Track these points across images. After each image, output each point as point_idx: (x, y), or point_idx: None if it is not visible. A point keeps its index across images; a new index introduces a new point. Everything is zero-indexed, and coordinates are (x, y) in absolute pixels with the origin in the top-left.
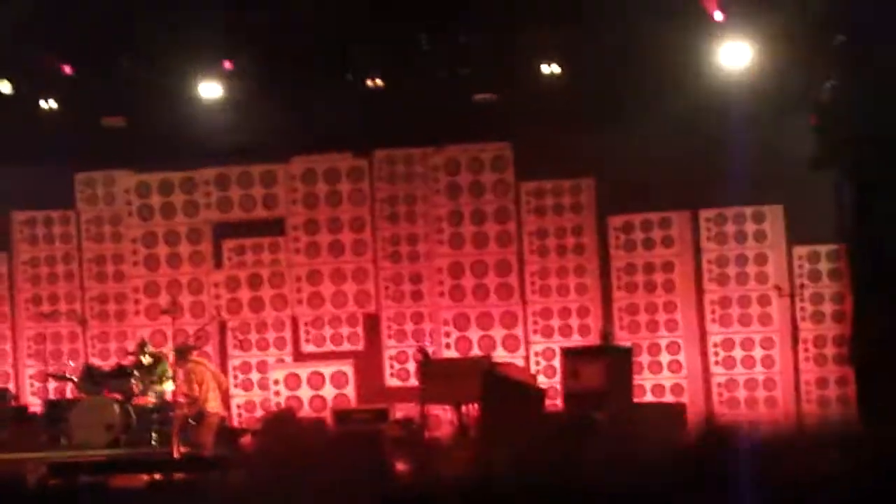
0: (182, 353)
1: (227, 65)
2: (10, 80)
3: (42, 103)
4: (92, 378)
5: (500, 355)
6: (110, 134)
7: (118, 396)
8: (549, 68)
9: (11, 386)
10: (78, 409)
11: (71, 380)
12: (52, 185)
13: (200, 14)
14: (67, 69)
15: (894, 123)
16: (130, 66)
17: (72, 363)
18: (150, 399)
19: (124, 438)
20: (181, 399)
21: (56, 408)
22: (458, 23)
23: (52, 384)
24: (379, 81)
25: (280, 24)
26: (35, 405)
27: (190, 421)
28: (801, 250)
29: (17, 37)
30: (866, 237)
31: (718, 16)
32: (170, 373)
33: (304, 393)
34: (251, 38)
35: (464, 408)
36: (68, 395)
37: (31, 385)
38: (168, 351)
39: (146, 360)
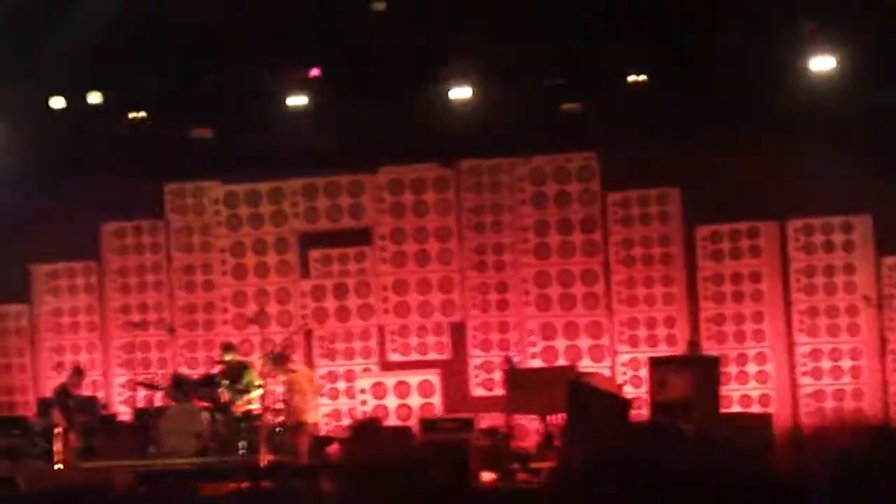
0: (280, 361)
1: (315, 73)
2: (100, 91)
3: (131, 114)
4: (180, 386)
5: (586, 365)
6: (199, 145)
7: (206, 404)
8: (636, 78)
9: (101, 394)
10: (166, 417)
11: (160, 388)
12: (141, 195)
13: (288, 24)
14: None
15: None
16: (218, 77)
17: (161, 372)
18: (240, 407)
19: (212, 446)
20: (279, 406)
21: (145, 416)
22: (546, 32)
23: (140, 393)
24: (466, 92)
25: (367, 34)
26: (124, 413)
27: (278, 429)
28: (889, 261)
29: (107, 49)
30: None
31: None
32: (257, 381)
33: (391, 402)
34: (338, 47)
35: (549, 418)
36: (157, 403)
37: (121, 394)
38: (256, 359)
39: (229, 358)
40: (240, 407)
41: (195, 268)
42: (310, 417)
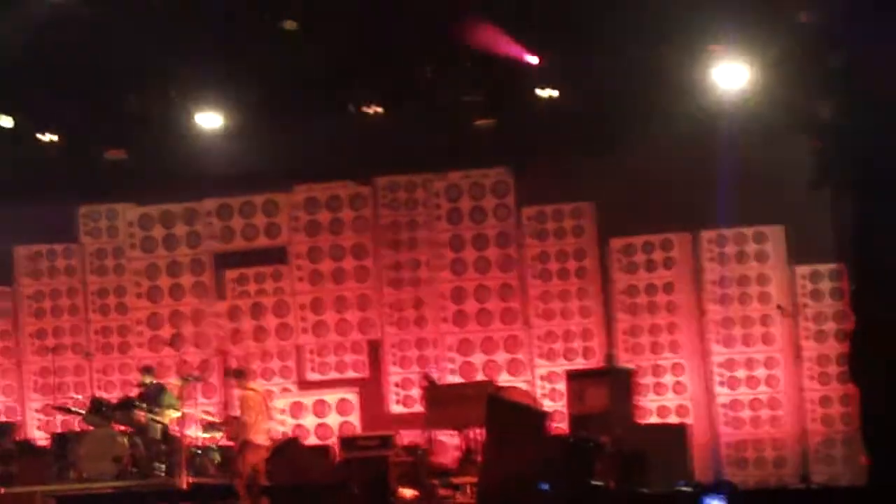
0: (240, 377)
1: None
2: (11, 115)
3: (43, 137)
4: (98, 410)
5: (504, 379)
6: (113, 167)
7: (125, 428)
8: (547, 93)
9: (18, 420)
10: (85, 441)
11: (77, 412)
12: (55, 218)
13: (201, 46)
14: None
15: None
16: (132, 100)
17: (78, 396)
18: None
19: (132, 470)
20: (229, 422)
21: (63, 441)
22: (458, 50)
23: (58, 417)
24: (379, 109)
25: (280, 55)
26: (41, 439)
27: (198, 451)
28: (802, 270)
29: (17, 72)
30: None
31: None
32: (176, 403)
33: (310, 421)
34: (251, 68)
35: (469, 433)
36: (75, 427)
37: (37, 419)
38: (174, 381)
39: (148, 381)
40: (160, 426)
41: (109, 291)
42: (258, 438)
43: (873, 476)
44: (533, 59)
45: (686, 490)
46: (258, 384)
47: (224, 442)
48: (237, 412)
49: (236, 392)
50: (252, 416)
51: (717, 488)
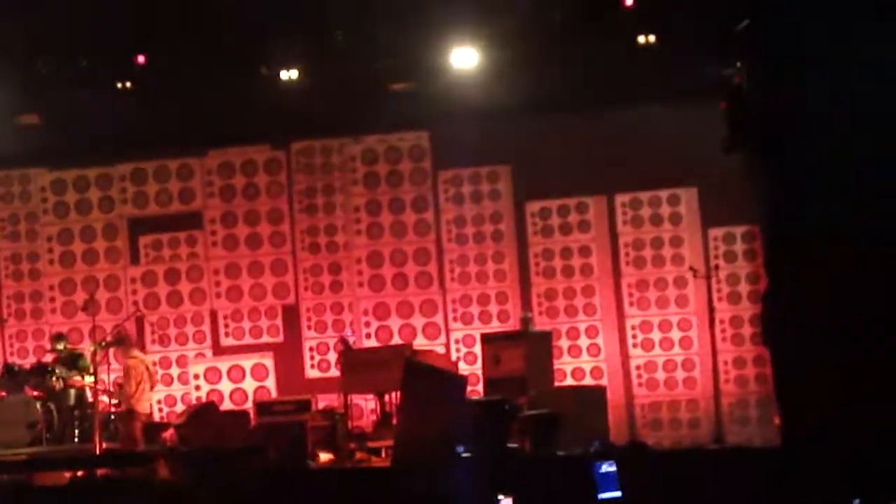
0: (123, 344)
1: (140, 59)
2: None
3: None
4: (12, 376)
5: (420, 343)
6: (25, 131)
7: (39, 394)
8: (463, 54)
9: None
10: None
11: None
12: None
13: (112, 8)
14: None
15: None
16: (44, 63)
17: None
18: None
19: (47, 437)
20: (112, 391)
21: None
22: (373, 13)
23: None
24: (294, 73)
25: (194, 17)
26: None
27: (112, 416)
28: (716, 232)
29: None
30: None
31: None
32: (91, 367)
33: (225, 386)
34: (165, 31)
35: (386, 397)
36: None
37: None
38: (88, 347)
39: (61, 347)
40: (73, 389)
41: (22, 256)
42: (142, 406)
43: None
44: None
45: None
46: (140, 353)
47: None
48: (122, 381)
49: (120, 361)
50: (133, 385)
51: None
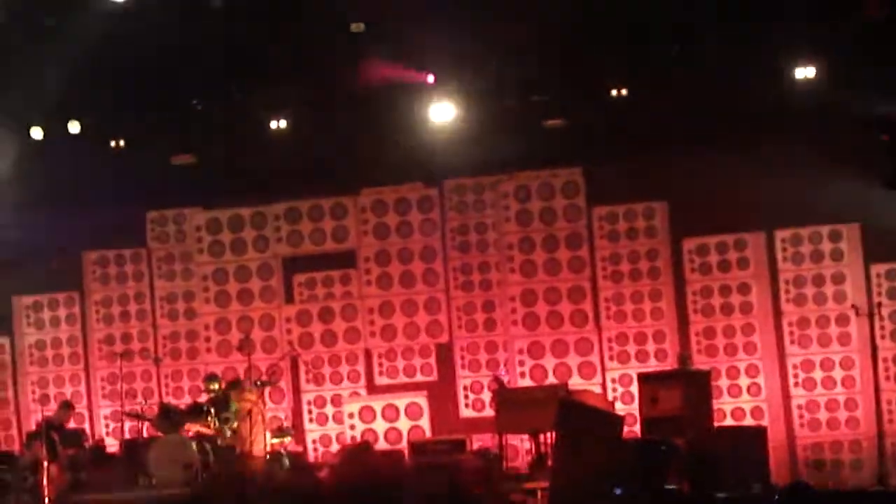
0: (236, 388)
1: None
2: (79, 119)
3: (112, 142)
4: (168, 416)
5: (576, 383)
6: (180, 171)
7: (195, 434)
8: (618, 91)
9: (87, 426)
10: (155, 447)
11: (147, 419)
12: (123, 224)
13: (264, 51)
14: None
15: None
16: (198, 102)
17: (147, 402)
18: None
19: (203, 476)
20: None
21: (134, 447)
22: (527, 49)
23: (127, 424)
24: (449, 110)
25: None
26: (111, 445)
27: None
28: (878, 268)
29: (86, 77)
30: None
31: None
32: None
33: (379, 425)
34: (318, 69)
35: (541, 437)
36: (145, 434)
37: (107, 425)
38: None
39: (215, 387)
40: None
41: (178, 295)
42: (255, 448)
43: None
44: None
45: (757, 493)
46: (254, 394)
47: (293, 447)
48: (236, 423)
49: (233, 403)
50: (247, 428)
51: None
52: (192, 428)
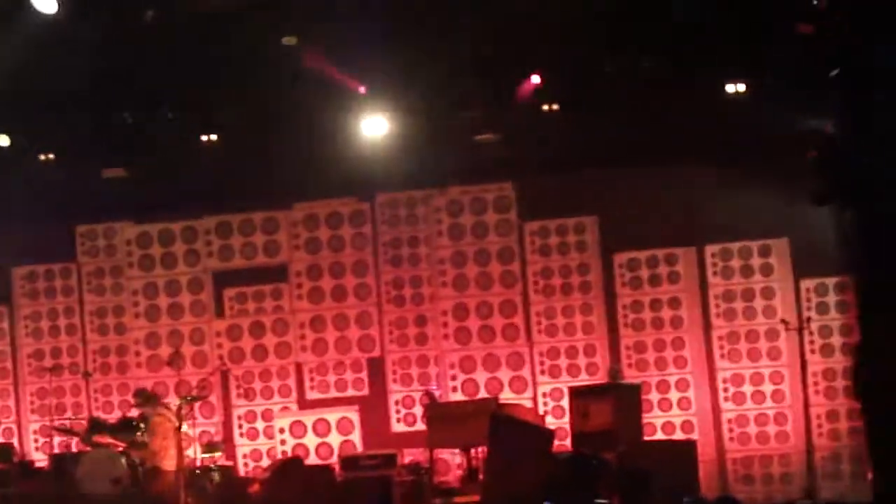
0: (149, 401)
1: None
2: (7, 133)
3: (41, 156)
4: (97, 430)
5: (507, 397)
6: (111, 185)
7: (124, 449)
8: (549, 107)
9: (15, 442)
10: (84, 462)
11: (76, 433)
12: (52, 238)
13: (195, 65)
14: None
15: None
16: (129, 117)
17: (76, 417)
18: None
19: (133, 490)
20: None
21: (62, 462)
22: (457, 64)
23: (56, 439)
24: (379, 125)
25: (280, 71)
26: (40, 460)
27: (197, 471)
28: (808, 283)
29: (14, 91)
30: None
31: None
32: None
33: (311, 440)
34: (252, 84)
35: (472, 451)
36: (74, 449)
37: (36, 440)
38: (172, 401)
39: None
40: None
41: (107, 310)
42: (166, 464)
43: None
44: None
45: None
46: (169, 410)
47: (223, 462)
48: (146, 437)
49: (145, 417)
50: (158, 442)
51: None
52: (103, 441)
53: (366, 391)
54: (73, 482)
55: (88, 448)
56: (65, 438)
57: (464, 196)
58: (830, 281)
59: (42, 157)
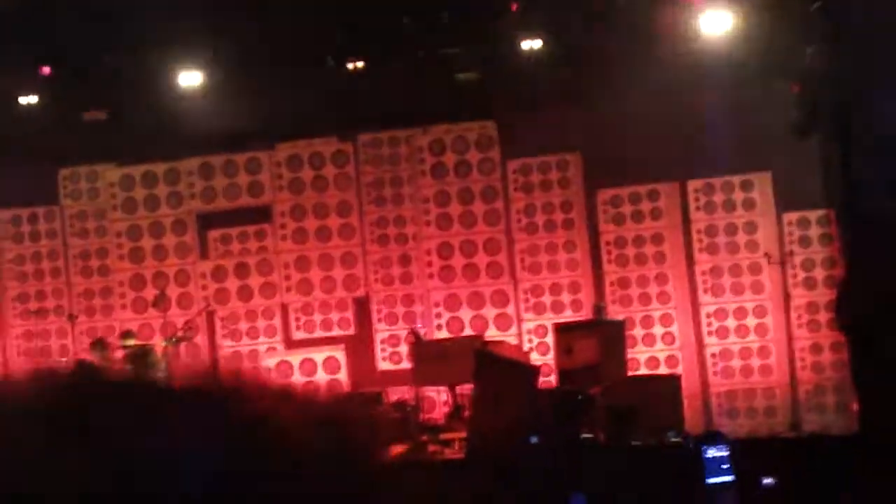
0: (102, 349)
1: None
2: None
3: (21, 100)
4: (84, 373)
5: (492, 334)
6: (92, 128)
7: None
8: (530, 44)
9: None
10: None
11: None
12: (35, 182)
13: (177, 4)
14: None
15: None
16: (110, 59)
17: (62, 360)
18: None
19: None
20: None
21: None
22: (438, 2)
23: None
24: (360, 64)
25: (259, 10)
26: None
27: None
28: (790, 217)
29: None
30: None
31: None
32: (161, 363)
33: (297, 380)
34: (230, 24)
35: (458, 388)
36: None
37: None
38: (159, 342)
39: (130, 343)
40: None
41: (91, 253)
42: None
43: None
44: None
45: (678, 441)
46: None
47: None
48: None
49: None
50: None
51: (713, 439)
52: None
53: (351, 330)
54: None
55: None
56: None
57: (446, 135)
58: (813, 214)
59: (23, 100)
